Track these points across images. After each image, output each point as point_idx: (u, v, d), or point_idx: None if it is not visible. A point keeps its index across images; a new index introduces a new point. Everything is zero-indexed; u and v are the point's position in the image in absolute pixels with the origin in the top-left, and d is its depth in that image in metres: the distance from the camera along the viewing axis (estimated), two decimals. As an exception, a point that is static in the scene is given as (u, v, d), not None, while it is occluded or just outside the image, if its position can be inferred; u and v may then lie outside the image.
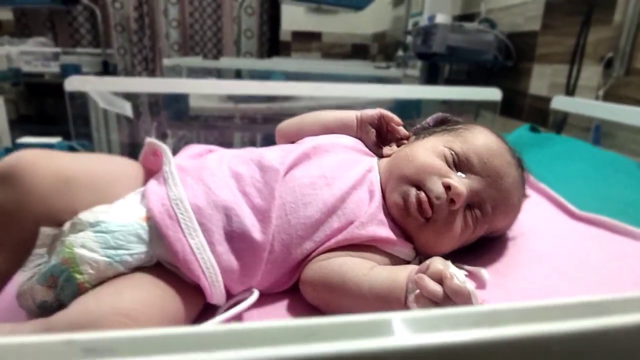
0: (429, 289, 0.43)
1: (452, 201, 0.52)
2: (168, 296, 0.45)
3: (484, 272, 0.54)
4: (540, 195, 0.78)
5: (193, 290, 0.46)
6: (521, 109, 1.61)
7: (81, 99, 1.24)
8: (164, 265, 0.47)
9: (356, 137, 0.68)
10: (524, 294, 0.51)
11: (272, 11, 3.25)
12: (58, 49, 2.59)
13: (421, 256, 0.58)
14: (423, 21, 1.90)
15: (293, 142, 0.67)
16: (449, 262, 0.46)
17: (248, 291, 0.50)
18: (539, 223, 0.66)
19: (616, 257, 0.58)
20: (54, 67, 2.37)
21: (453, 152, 0.56)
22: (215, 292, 0.47)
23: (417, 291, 0.44)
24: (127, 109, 1.19)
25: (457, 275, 0.43)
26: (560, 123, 1.33)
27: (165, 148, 0.55)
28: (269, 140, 0.88)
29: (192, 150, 0.60)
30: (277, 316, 0.50)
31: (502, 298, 0.50)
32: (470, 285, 0.42)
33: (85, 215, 0.45)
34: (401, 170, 0.56)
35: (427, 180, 0.53)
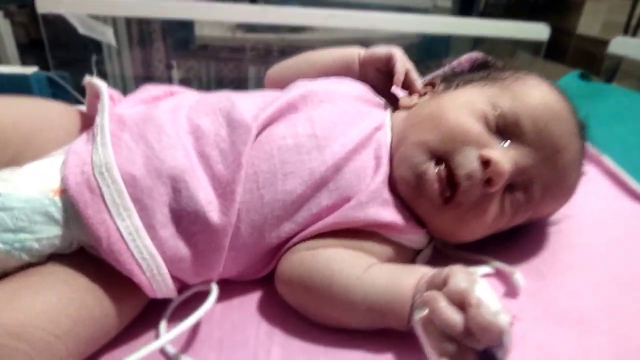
0: (444, 317, 0.30)
1: (488, 181, 0.38)
2: (89, 297, 0.33)
3: (519, 277, 0.40)
4: (594, 165, 0.63)
5: (130, 284, 0.35)
6: (564, 52, 1.38)
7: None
8: (88, 251, 0.35)
9: (362, 81, 0.52)
10: (568, 312, 0.38)
11: None
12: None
13: (437, 242, 0.46)
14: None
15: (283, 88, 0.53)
16: (475, 277, 0.32)
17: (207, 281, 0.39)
18: (591, 204, 0.52)
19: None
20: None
21: (498, 112, 0.40)
22: (159, 287, 0.36)
23: (427, 311, 0.32)
24: (108, 35, 1.03)
25: (488, 301, 0.30)
26: (613, 70, 1.12)
27: (102, 89, 0.41)
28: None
29: (147, 92, 0.46)
30: (244, 320, 0.39)
31: (539, 317, 0.38)
32: (504, 319, 0.29)
33: (-20, 184, 0.33)
34: (421, 133, 0.41)
35: (457, 152, 0.39)
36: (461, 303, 0.31)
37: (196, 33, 1.81)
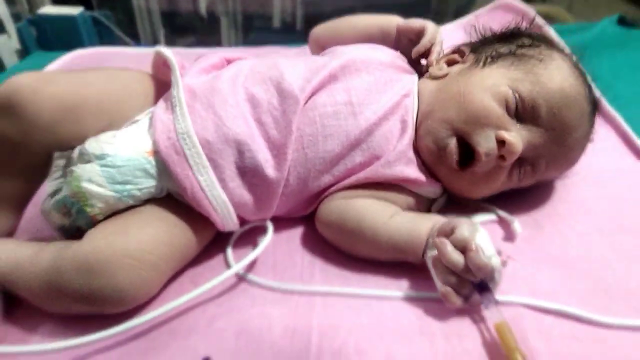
0: (449, 257, 0.40)
1: (502, 157, 0.45)
2: (177, 230, 0.44)
3: (517, 225, 0.49)
4: (608, 126, 0.67)
5: (204, 220, 0.45)
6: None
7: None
8: (174, 196, 0.45)
9: (395, 49, 0.57)
10: (553, 257, 0.47)
11: None
12: None
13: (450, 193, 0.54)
14: None
15: (325, 49, 0.59)
16: (476, 227, 0.41)
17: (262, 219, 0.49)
18: (598, 163, 0.57)
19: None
20: None
21: (518, 97, 0.46)
22: (227, 224, 0.46)
23: (436, 252, 0.41)
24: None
25: (484, 248, 0.39)
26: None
27: (174, 64, 0.49)
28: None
29: (206, 62, 0.53)
30: (290, 249, 0.49)
31: (530, 258, 0.46)
32: (496, 261, 0.38)
33: (91, 146, 0.43)
34: (448, 111, 0.47)
35: (477, 133, 0.45)
36: (463, 248, 0.40)
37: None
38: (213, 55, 0.54)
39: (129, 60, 0.97)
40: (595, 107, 0.50)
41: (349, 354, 0.37)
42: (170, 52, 0.51)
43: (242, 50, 0.55)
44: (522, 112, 0.46)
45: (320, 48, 0.61)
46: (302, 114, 0.47)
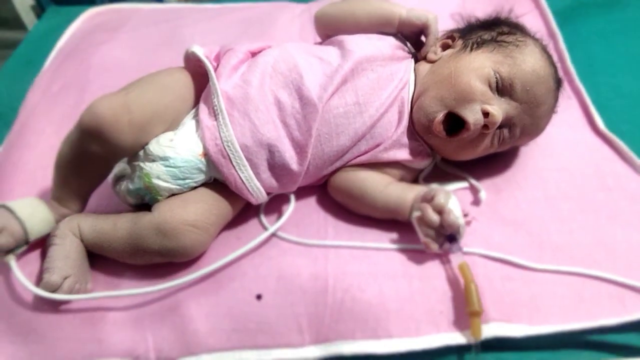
0: (429, 217, 0.55)
1: (485, 126, 0.57)
2: (222, 204, 0.59)
3: (483, 194, 0.64)
4: (574, 96, 0.77)
5: (240, 196, 0.59)
6: None
7: None
8: (219, 180, 0.59)
9: (396, 34, 0.67)
10: (505, 217, 0.62)
11: None
12: None
13: (437, 161, 0.67)
14: None
15: (330, 36, 0.67)
16: (449, 195, 0.56)
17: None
18: (559, 134, 0.70)
19: (608, 188, 0.65)
20: None
21: (499, 77, 0.57)
22: (260, 200, 0.61)
23: (419, 213, 0.56)
24: None
25: (454, 210, 0.54)
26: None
27: (211, 71, 0.59)
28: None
29: (235, 58, 0.62)
30: (310, 211, 0.64)
31: (488, 218, 0.62)
32: (462, 220, 0.54)
33: (154, 148, 0.56)
34: (441, 90, 0.59)
35: (467, 107, 0.57)
36: (439, 210, 0.55)
37: None
38: (239, 50, 0.63)
39: (143, 20, 1.03)
40: (559, 85, 0.62)
41: (354, 291, 0.54)
42: (202, 54, 0.60)
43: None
44: (502, 88, 0.58)
45: (323, 33, 0.70)
46: (320, 117, 0.58)
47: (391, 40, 0.65)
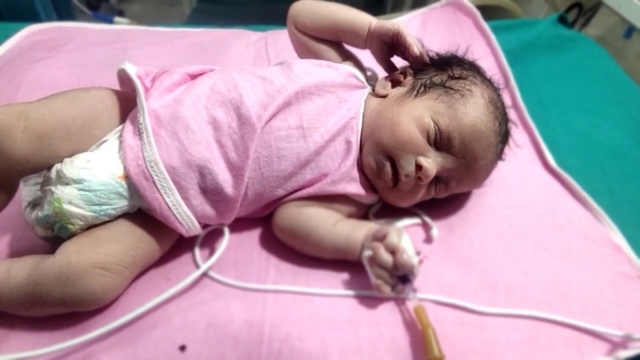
0: (381, 258, 0.51)
1: (419, 178, 0.55)
2: (143, 241, 0.52)
3: (435, 231, 0.60)
4: (526, 133, 0.78)
5: (169, 229, 0.53)
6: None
7: None
8: (144, 210, 0.53)
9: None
10: (458, 256, 0.59)
11: None
12: None
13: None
14: None
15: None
16: (401, 233, 0.52)
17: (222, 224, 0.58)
18: (512, 170, 0.69)
19: (560, 226, 0.63)
20: None
21: (437, 129, 0.55)
22: (192, 231, 0.55)
23: (371, 253, 0.52)
24: None
25: (407, 250, 0.51)
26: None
27: (138, 88, 0.54)
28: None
29: (169, 80, 0.57)
30: (250, 247, 0.59)
31: (441, 257, 0.58)
32: (415, 260, 0.50)
33: (68, 170, 0.49)
34: (381, 137, 0.57)
35: (401, 157, 0.55)
36: (392, 250, 0.51)
37: None
38: (175, 72, 0.59)
39: (88, 40, 0.98)
40: (505, 137, 0.61)
41: (292, 341, 0.48)
42: (134, 72, 0.55)
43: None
44: (440, 141, 0.56)
45: (295, 28, 0.68)
46: (259, 138, 0.54)
47: (344, 69, 0.63)
